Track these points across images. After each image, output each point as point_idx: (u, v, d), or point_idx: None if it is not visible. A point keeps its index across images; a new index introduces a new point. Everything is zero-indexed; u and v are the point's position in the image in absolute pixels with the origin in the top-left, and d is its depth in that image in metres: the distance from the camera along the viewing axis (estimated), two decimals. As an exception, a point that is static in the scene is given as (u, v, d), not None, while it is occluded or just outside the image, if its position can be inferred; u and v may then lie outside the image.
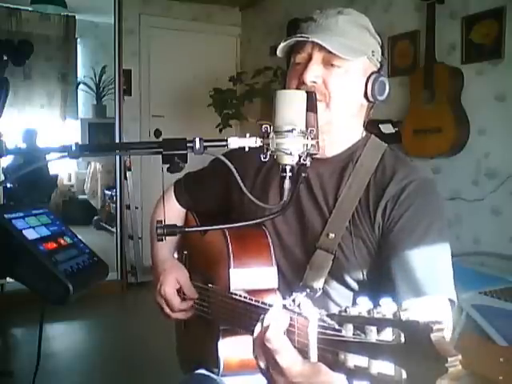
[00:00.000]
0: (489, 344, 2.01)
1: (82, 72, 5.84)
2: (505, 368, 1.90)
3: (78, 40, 5.73)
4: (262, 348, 0.72)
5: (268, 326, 0.71)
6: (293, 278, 1.07)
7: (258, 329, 0.75)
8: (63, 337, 3.33)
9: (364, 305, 0.60)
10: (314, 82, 1.01)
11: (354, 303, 0.61)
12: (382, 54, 1.09)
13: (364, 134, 1.12)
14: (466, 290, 2.20)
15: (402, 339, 0.54)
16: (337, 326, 0.62)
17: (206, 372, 1.15)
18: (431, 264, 0.96)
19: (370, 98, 1.06)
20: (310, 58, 1.02)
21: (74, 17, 5.52)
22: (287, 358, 0.70)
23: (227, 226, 1.08)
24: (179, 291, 1.20)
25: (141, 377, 2.68)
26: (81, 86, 5.85)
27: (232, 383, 1.11)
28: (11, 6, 5.07)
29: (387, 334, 0.56)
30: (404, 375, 0.54)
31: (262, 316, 0.74)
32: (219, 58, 4.89)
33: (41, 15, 5.33)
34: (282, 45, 1.05)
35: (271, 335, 0.70)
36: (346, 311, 0.61)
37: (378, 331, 0.56)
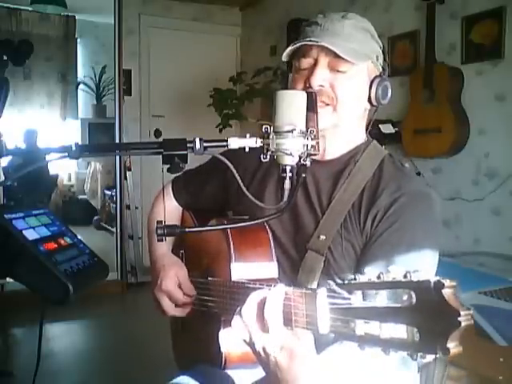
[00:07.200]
0: (489, 344, 2.01)
1: (82, 72, 5.84)
2: (505, 368, 1.90)
3: (78, 40, 5.73)
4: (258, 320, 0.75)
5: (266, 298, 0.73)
6: (288, 277, 1.07)
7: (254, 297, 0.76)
8: (63, 337, 3.33)
9: (371, 272, 0.60)
10: (321, 86, 1.01)
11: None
12: (384, 59, 1.09)
13: (366, 138, 1.12)
14: (466, 289, 2.19)
15: (414, 299, 0.55)
16: (346, 295, 0.63)
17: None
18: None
19: (374, 102, 1.06)
20: (315, 63, 1.02)
21: (74, 17, 5.52)
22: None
23: (228, 226, 1.08)
24: (179, 287, 1.19)
25: (141, 376, 2.68)
26: (81, 86, 5.84)
27: (235, 376, 1.10)
28: (11, 5, 5.07)
29: (398, 297, 0.56)
30: (417, 336, 0.54)
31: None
32: (219, 58, 4.89)
33: (41, 15, 5.32)
34: (289, 49, 1.03)
35: (270, 306, 0.72)
36: (355, 279, 0.62)
37: (388, 295, 0.57)
